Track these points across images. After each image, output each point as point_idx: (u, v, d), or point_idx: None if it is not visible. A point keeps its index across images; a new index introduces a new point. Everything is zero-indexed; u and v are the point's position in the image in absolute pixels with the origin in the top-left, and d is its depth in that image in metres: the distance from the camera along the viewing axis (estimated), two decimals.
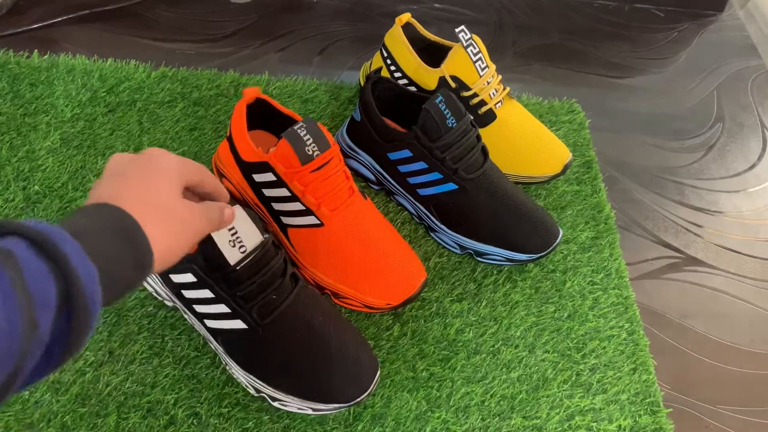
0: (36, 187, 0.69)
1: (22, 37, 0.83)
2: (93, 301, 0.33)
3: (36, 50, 0.81)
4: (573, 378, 0.64)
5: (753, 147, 0.92)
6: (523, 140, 0.77)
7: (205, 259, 0.54)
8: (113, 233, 0.37)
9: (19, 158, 0.71)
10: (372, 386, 0.57)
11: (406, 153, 0.68)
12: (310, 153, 0.61)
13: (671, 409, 0.64)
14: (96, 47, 0.84)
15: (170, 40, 0.88)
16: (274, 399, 0.57)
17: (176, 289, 0.57)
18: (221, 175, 0.70)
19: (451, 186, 0.68)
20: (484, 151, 0.69)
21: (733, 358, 0.70)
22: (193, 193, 0.50)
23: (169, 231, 0.41)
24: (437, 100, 0.66)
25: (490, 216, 0.68)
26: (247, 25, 0.92)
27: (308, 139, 0.61)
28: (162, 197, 0.42)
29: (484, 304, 0.68)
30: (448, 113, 0.66)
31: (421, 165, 0.68)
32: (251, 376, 0.57)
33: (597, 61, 0.99)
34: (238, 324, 0.56)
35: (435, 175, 0.68)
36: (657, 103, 0.95)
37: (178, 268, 0.55)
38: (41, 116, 0.75)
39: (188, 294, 0.57)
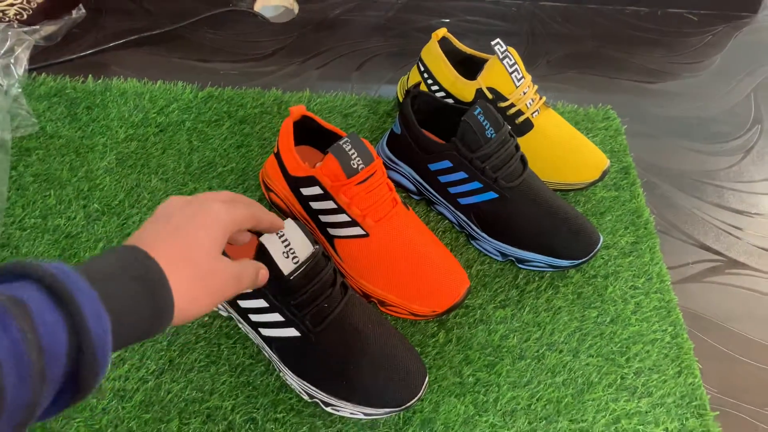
0: (95, 205, 0.73)
1: (77, 63, 0.88)
2: (103, 354, 0.33)
3: (90, 75, 0.85)
4: (618, 382, 0.65)
5: None
6: (561, 148, 0.78)
7: None
8: (135, 281, 0.37)
9: (78, 178, 0.75)
10: (421, 391, 0.58)
11: (446, 164, 0.70)
12: (355, 167, 0.63)
13: (718, 412, 0.64)
14: (145, 70, 0.88)
15: (215, 61, 0.91)
16: (327, 404, 0.59)
17: (233, 300, 0.60)
18: (268, 189, 0.73)
19: (492, 195, 0.69)
20: (523, 160, 0.71)
21: None
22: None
23: (195, 288, 0.41)
24: (476, 112, 0.67)
25: (530, 223, 0.70)
26: (287, 45, 0.95)
27: (353, 153, 0.63)
28: (198, 253, 0.42)
29: (527, 310, 0.69)
30: (486, 124, 0.68)
31: (461, 175, 0.70)
32: (305, 382, 0.60)
33: (631, 67, 1.00)
34: (291, 332, 0.58)
35: (475, 185, 0.69)
36: (693, 107, 0.95)
37: None
38: (98, 138, 0.79)
39: (244, 304, 0.59)
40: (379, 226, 0.65)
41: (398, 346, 0.60)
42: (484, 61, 0.78)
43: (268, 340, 0.60)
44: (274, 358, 0.61)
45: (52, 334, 0.31)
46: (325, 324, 0.58)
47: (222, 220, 0.44)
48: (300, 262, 0.56)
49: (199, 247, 0.42)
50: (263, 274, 0.51)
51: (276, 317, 0.58)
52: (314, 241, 0.58)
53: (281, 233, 0.56)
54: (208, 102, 0.84)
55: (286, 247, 0.56)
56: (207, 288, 0.42)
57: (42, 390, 0.30)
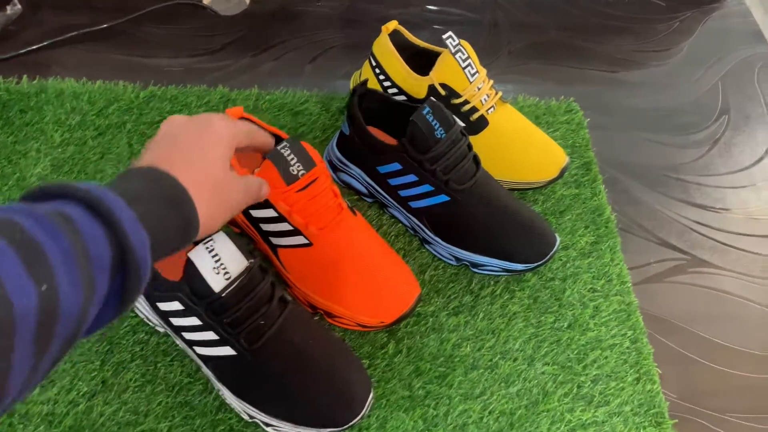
0: None
1: (11, 63, 0.83)
2: (144, 268, 0.34)
3: (25, 75, 0.80)
4: (574, 390, 0.63)
5: (760, 139, 0.89)
6: (518, 145, 0.75)
7: (190, 286, 0.53)
8: (164, 201, 0.38)
9: (9, 187, 0.71)
10: (365, 409, 0.56)
11: (395, 166, 0.67)
12: (295, 173, 0.59)
13: (677, 420, 0.62)
14: (85, 69, 0.83)
15: (159, 58, 0.87)
16: (268, 425, 0.57)
17: (165, 316, 0.57)
18: None
19: (443, 198, 0.66)
20: (476, 161, 0.68)
21: (743, 363, 0.68)
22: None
23: (213, 201, 0.43)
24: (424, 111, 0.64)
25: (484, 226, 0.67)
26: (237, 38, 0.91)
27: (292, 158, 0.59)
28: (211, 167, 0.44)
29: (481, 316, 0.67)
30: (436, 124, 0.64)
31: (411, 178, 0.66)
32: (243, 402, 0.57)
33: (596, 56, 0.97)
34: (226, 350, 0.55)
35: (426, 188, 0.66)
36: (659, 97, 0.92)
37: (165, 296, 0.55)
38: (31, 143, 0.75)
39: (176, 321, 0.56)
40: (322, 235, 0.62)
41: (341, 362, 0.57)
42: (438, 54, 0.75)
43: (204, 358, 0.57)
44: (212, 376, 0.58)
45: (98, 246, 0.32)
46: (262, 342, 0.55)
47: (226, 134, 0.47)
48: (232, 278, 0.53)
49: (212, 164, 0.44)
50: (266, 189, 0.53)
51: (210, 335, 0.55)
52: (250, 254, 0.55)
53: (211, 247, 0.53)
54: (151, 102, 0.80)
55: (216, 262, 0.53)
56: (223, 202, 0.45)
57: (92, 299, 0.31)
